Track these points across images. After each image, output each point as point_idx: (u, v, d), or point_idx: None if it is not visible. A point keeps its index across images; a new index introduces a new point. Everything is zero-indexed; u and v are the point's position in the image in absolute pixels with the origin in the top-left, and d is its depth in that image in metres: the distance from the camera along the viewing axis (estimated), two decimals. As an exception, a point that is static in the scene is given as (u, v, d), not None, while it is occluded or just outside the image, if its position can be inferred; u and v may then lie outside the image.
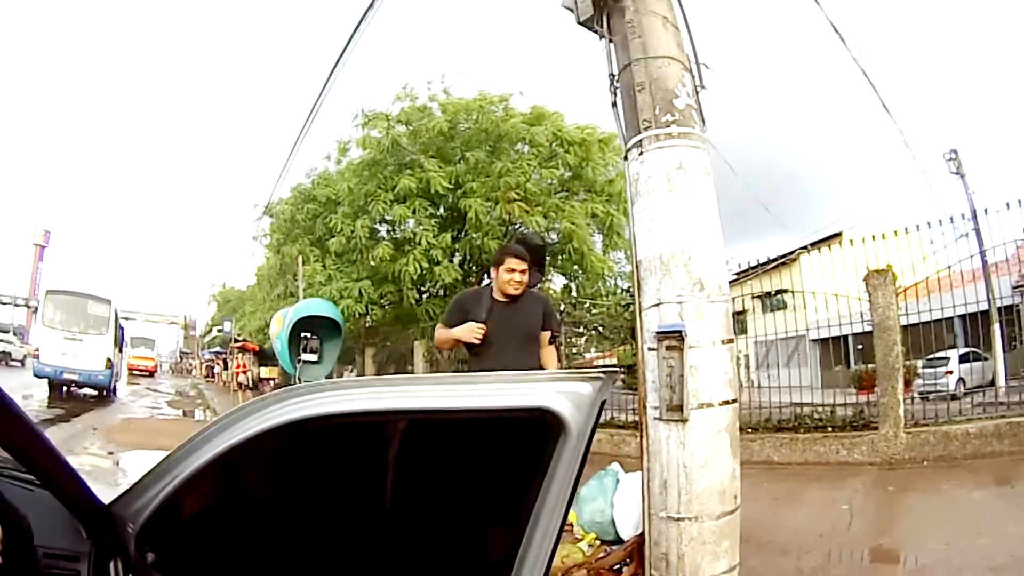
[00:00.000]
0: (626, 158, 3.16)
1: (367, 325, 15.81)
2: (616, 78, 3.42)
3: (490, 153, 13.80)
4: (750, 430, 7.43)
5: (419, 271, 13.34)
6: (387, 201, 13.70)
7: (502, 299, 3.80)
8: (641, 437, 3.02)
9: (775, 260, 8.21)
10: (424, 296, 14.64)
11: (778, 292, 8.77)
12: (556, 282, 15.77)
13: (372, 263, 13.97)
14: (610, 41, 3.56)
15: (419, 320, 14.33)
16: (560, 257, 13.99)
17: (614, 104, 3.38)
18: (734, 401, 2.88)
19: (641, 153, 3.01)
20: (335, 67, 7.22)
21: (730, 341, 2.87)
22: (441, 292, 14.79)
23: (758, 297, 10.04)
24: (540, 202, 13.46)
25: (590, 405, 1.64)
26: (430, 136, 14.07)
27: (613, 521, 3.81)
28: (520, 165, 13.26)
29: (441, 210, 14.57)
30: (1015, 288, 14.81)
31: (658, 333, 2.81)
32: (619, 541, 3.83)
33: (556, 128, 13.85)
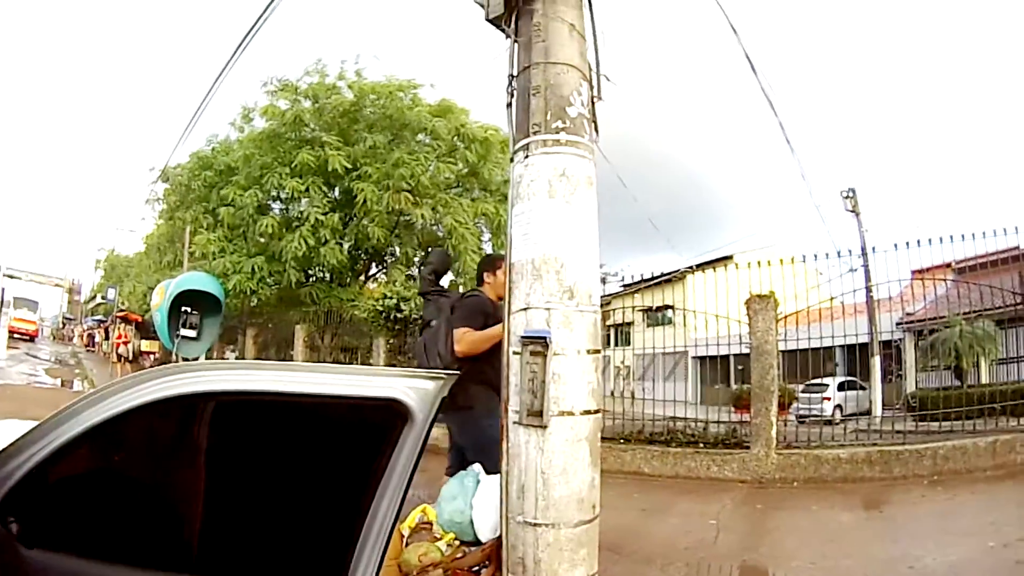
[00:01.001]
0: (512, 160, 3.12)
1: (252, 305, 15.32)
2: (514, 79, 3.38)
3: (392, 140, 13.70)
4: (623, 440, 7.67)
5: (305, 249, 13.02)
6: (283, 175, 13.31)
7: (494, 302, 4.01)
8: (502, 440, 3.00)
9: (663, 276, 8.44)
10: (310, 279, 14.28)
11: (664, 308, 9.04)
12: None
13: (261, 239, 13.55)
14: (515, 42, 3.52)
15: (303, 303, 13.95)
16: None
17: (509, 105, 3.36)
18: (597, 411, 2.92)
19: (527, 156, 3.01)
20: (251, 29, 6.84)
21: (596, 352, 2.90)
22: (327, 276, 14.53)
23: (644, 311, 10.33)
24: (431, 195, 13.47)
25: (433, 400, 1.90)
26: (334, 115, 13.91)
27: (472, 522, 3.76)
28: (417, 156, 13.23)
29: (336, 192, 14.34)
30: (898, 325, 15.95)
31: (523, 338, 2.82)
32: (478, 543, 3.79)
33: (460, 123, 13.91)
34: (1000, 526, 4.68)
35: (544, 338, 2.76)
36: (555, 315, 2.80)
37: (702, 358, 17.06)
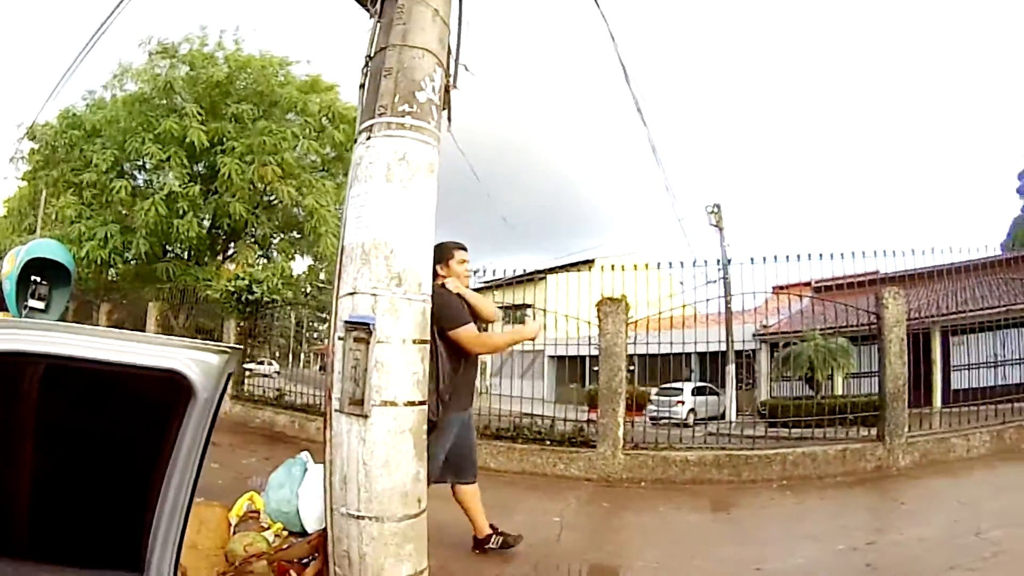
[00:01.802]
0: (356, 141, 3.04)
1: (108, 279, 14.58)
2: (370, 61, 3.30)
3: (261, 116, 13.41)
4: None
5: (157, 219, 12.52)
6: (145, 140, 12.77)
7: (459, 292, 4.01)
8: (325, 428, 2.93)
9: (524, 276, 8.52)
10: (167, 255, 13.73)
11: (522, 306, 9.13)
12: (300, 263, 15.63)
13: (119, 207, 12.93)
14: (378, 22, 3.43)
15: (159, 280, 13.39)
16: (301, 235, 13.96)
17: (362, 86, 3.29)
18: (422, 403, 2.90)
19: (369, 138, 2.98)
20: None
21: (424, 342, 2.88)
22: (185, 253, 14.02)
23: (503, 308, 10.42)
24: (295, 174, 13.25)
25: (218, 374, 1.78)
26: (207, 86, 13.40)
27: (298, 512, 3.66)
28: (283, 133, 12.98)
29: (201, 167, 13.88)
30: (755, 336, 16.80)
31: (347, 323, 2.76)
32: (306, 533, 3.70)
33: (330, 101, 13.72)
34: (850, 530, 4.89)
35: (368, 324, 2.71)
36: (381, 301, 2.76)
37: (559, 357, 17.37)
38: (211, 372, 1.77)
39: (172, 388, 1.73)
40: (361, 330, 2.73)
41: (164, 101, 13.67)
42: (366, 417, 2.73)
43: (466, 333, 3.79)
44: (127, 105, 13.90)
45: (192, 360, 1.74)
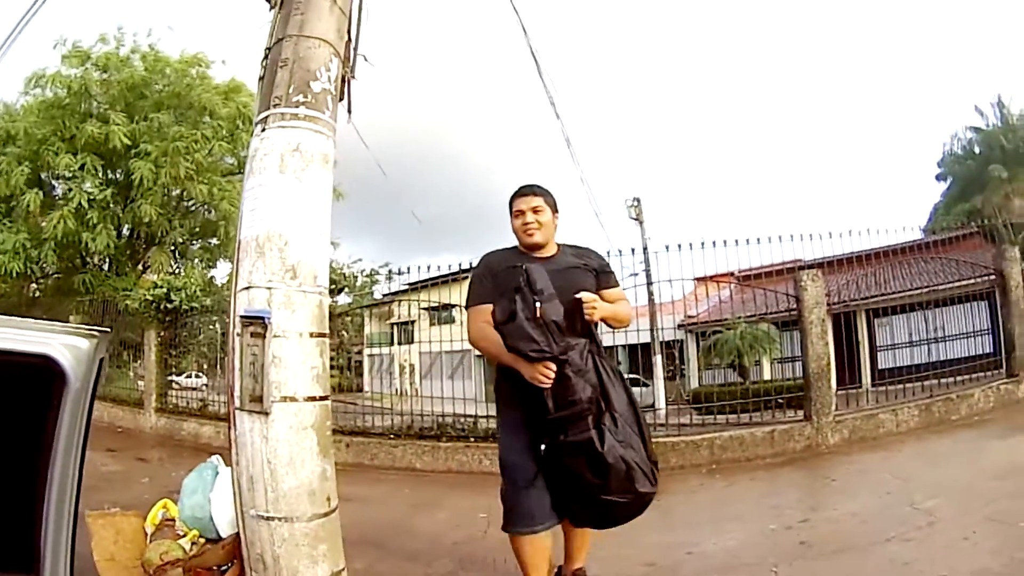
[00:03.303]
0: (252, 133, 3.00)
1: (31, 295, 14.10)
2: (269, 52, 3.25)
3: (177, 120, 13.18)
4: (393, 436, 7.68)
5: (65, 230, 12.17)
6: (59, 150, 12.41)
7: (532, 255, 3.05)
8: (230, 428, 2.88)
9: (448, 275, 8.54)
10: (86, 266, 13.37)
11: (448, 306, 9.13)
12: (221, 269, 15.47)
13: (34, 219, 12.55)
14: (278, 13, 3.39)
15: (78, 291, 13.04)
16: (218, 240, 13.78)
17: (261, 79, 3.23)
18: (324, 398, 2.87)
19: (264, 129, 2.96)
20: None
21: (322, 335, 2.85)
22: (104, 264, 13.68)
23: (428, 309, 10.42)
24: (207, 178, 13.09)
25: (89, 360, 1.70)
26: (122, 89, 13.13)
27: (212, 517, 3.58)
28: (196, 135, 12.81)
29: (118, 174, 13.58)
30: (680, 326, 17.17)
31: (242, 318, 2.73)
32: (221, 538, 3.62)
33: (243, 104, 13.57)
34: (782, 510, 4.98)
35: (263, 319, 2.67)
36: (276, 295, 2.73)
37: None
38: (82, 357, 1.69)
39: (43, 375, 1.64)
40: (257, 324, 2.70)
41: (80, 106, 13.26)
42: (267, 414, 2.70)
43: (468, 316, 3.06)
44: (41, 111, 13.46)
45: (63, 345, 1.67)
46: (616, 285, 3.18)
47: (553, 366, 2.65)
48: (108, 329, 1.87)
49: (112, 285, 13.23)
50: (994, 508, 4.22)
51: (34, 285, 13.83)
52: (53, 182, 13.69)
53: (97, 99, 13.29)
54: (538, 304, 2.64)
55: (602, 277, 3.11)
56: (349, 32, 3.42)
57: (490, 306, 2.86)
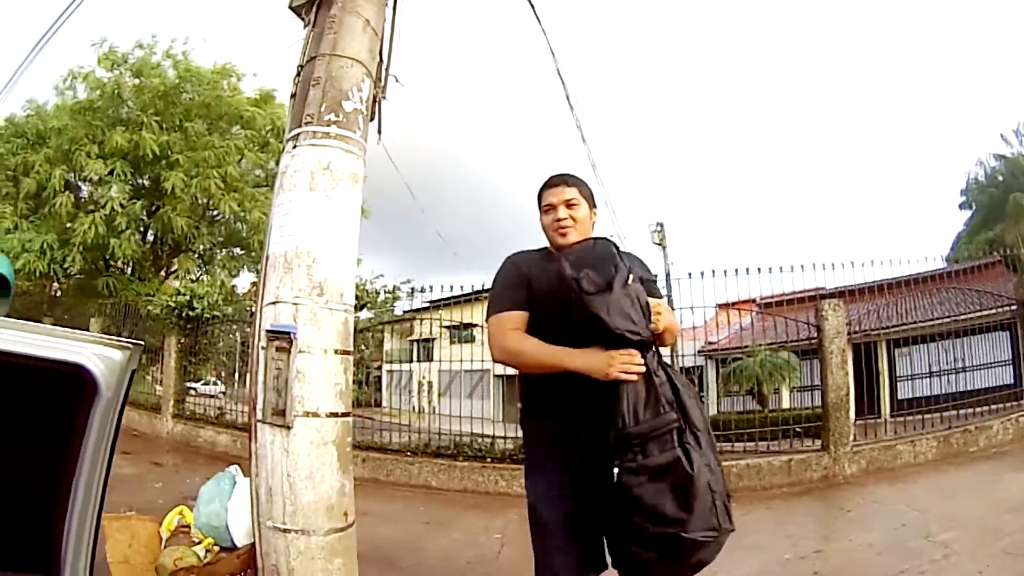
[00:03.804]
0: (283, 150, 3.06)
1: (52, 293, 14.26)
2: (302, 70, 3.32)
3: (207, 129, 13.32)
4: (409, 453, 7.67)
5: (95, 236, 12.30)
6: (91, 154, 12.56)
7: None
8: (250, 440, 2.92)
9: (469, 294, 8.58)
10: (109, 268, 13.49)
11: (468, 325, 9.15)
12: (244, 279, 15.55)
13: (63, 221, 12.71)
14: (311, 31, 3.47)
15: (100, 293, 13.17)
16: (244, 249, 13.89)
17: (293, 95, 3.30)
18: (345, 415, 2.90)
19: (295, 147, 3.01)
20: None
21: (347, 352, 2.89)
22: (128, 268, 13.78)
23: (448, 327, 10.44)
24: (238, 188, 13.17)
25: (121, 371, 1.71)
26: (153, 95, 13.27)
27: (228, 526, 3.62)
28: (228, 146, 12.91)
29: (145, 180, 13.71)
30: (700, 352, 17.09)
31: (268, 332, 2.77)
32: (236, 547, 3.65)
33: (275, 115, 13.67)
34: (796, 539, 4.95)
35: (289, 334, 2.71)
36: (302, 311, 2.77)
37: (507, 376, 17.43)
38: (115, 368, 1.70)
39: (76, 384, 1.66)
40: (283, 339, 2.74)
41: (111, 110, 13.45)
42: (289, 428, 2.74)
43: (493, 325, 2.43)
44: (74, 113, 13.62)
45: (96, 355, 1.68)
46: (661, 297, 2.58)
47: (641, 360, 2.11)
48: (140, 342, 1.87)
49: (135, 289, 13.36)
50: (1010, 541, 4.19)
51: (56, 285, 13.97)
52: (80, 183, 13.86)
53: (129, 104, 13.46)
54: (631, 278, 2.17)
55: (647, 286, 2.46)
56: (381, 53, 3.49)
57: (523, 314, 2.36)
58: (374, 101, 3.30)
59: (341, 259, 2.89)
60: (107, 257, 13.32)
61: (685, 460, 2.07)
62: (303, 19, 3.58)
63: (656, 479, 2.07)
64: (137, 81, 13.55)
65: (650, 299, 2.26)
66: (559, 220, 2.46)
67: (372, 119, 3.28)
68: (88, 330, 11.40)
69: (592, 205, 2.59)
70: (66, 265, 13.28)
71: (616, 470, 2.13)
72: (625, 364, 2.09)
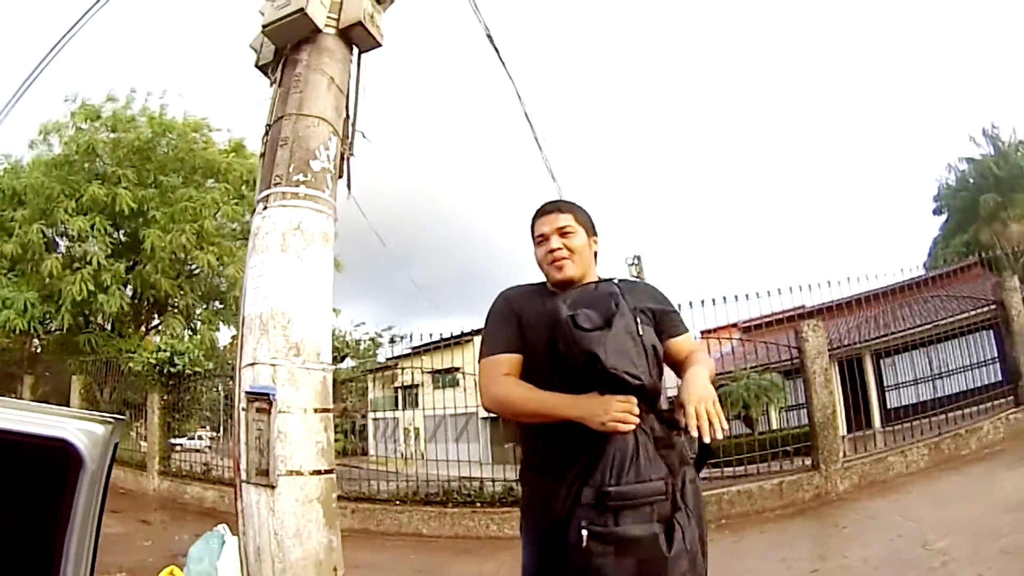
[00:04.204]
0: (254, 211, 3.11)
1: (33, 351, 14.13)
2: (270, 129, 3.38)
3: (182, 183, 13.35)
4: (398, 502, 7.64)
5: (85, 293, 12.27)
6: (69, 210, 12.56)
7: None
8: (236, 500, 2.92)
9: (450, 339, 8.61)
10: (89, 325, 13.44)
11: (451, 370, 9.18)
12: (224, 333, 15.53)
13: (45, 278, 12.64)
14: (278, 89, 3.54)
15: (82, 350, 13.05)
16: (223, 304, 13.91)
17: (262, 155, 3.35)
18: (329, 471, 2.94)
19: (265, 208, 3.07)
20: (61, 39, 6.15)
21: (326, 411, 2.92)
22: (108, 325, 13.70)
23: (432, 372, 10.48)
24: (215, 242, 13.19)
25: (105, 444, 1.72)
26: (128, 150, 13.29)
27: (218, 585, 3.63)
28: (204, 199, 12.94)
29: (121, 235, 13.69)
30: None
31: (248, 393, 2.80)
32: (227, 607, 3.65)
33: (250, 166, 13.73)
34: (791, 561, 4.97)
35: (268, 395, 2.75)
36: (280, 372, 2.81)
37: (492, 418, 17.43)
38: (98, 442, 1.72)
39: (61, 458, 1.68)
40: (262, 400, 2.77)
41: (87, 164, 13.46)
42: (273, 487, 2.76)
43: (482, 369, 2.13)
44: (49, 168, 13.59)
45: (79, 430, 1.70)
46: (685, 330, 2.23)
47: (638, 407, 1.82)
48: (123, 417, 1.92)
49: (116, 346, 13.29)
50: (1008, 541, 4.23)
51: (36, 341, 13.84)
52: (58, 239, 13.80)
53: (104, 158, 13.47)
54: (638, 321, 1.93)
55: (664, 320, 2.16)
56: (348, 108, 3.57)
57: (515, 356, 2.09)
58: (342, 159, 3.36)
59: (316, 319, 2.93)
60: (86, 313, 13.24)
61: (663, 539, 1.77)
62: (270, 78, 3.66)
63: (623, 553, 1.77)
64: (112, 136, 13.59)
65: (697, 377, 1.90)
66: (553, 251, 2.16)
67: (340, 176, 3.35)
68: (70, 387, 11.35)
69: (591, 233, 2.28)
70: (47, 322, 13.22)
71: (584, 532, 1.79)
72: (622, 412, 1.80)
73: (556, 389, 1.93)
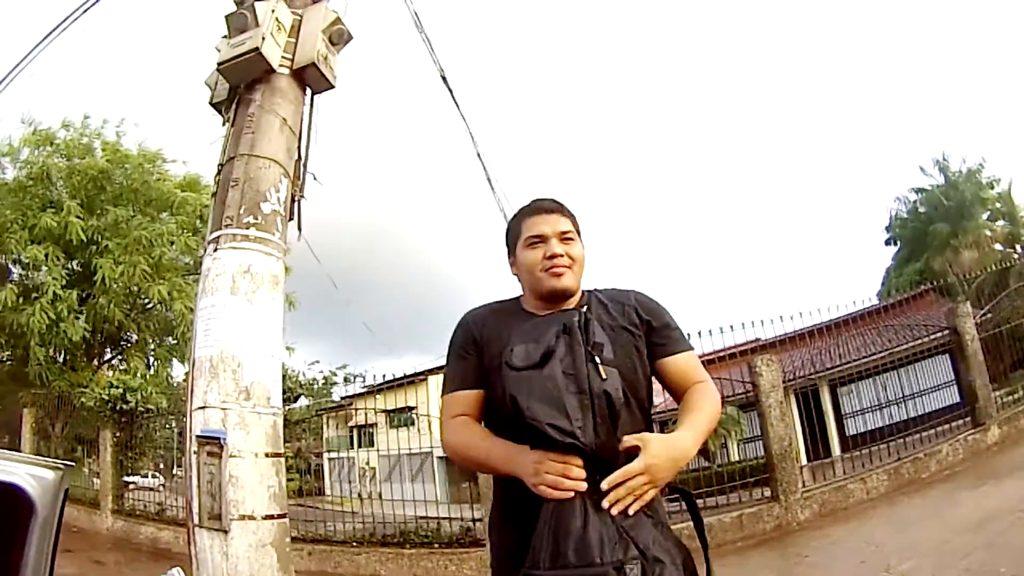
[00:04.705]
0: (204, 252, 3.12)
1: None
2: (222, 169, 3.40)
3: (135, 216, 13.24)
4: (355, 544, 7.51)
5: (47, 323, 12.04)
6: (22, 240, 12.35)
7: (545, 311, 1.79)
8: (189, 544, 2.90)
9: (405, 378, 8.60)
10: (43, 357, 13.20)
11: (405, 409, 9.16)
12: (178, 369, 15.36)
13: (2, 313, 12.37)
14: (231, 128, 3.55)
15: (31, 383, 12.74)
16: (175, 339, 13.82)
17: (214, 195, 3.36)
18: (282, 516, 2.93)
19: (216, 249, 3.08)
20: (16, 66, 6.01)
21: (277, 455, 2.90)
22: (64, 357, 13.46)
23: (386, 412, 10.44)
24: (166, 276, 13.09)
25: (56, 491, 1.76)
26: (83, 179, 13.16)
27: (177, 633, 3.54)
28: (159, 230, 12.86)
29: (74, 264, 13.50)
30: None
31: (199, 437, 2.78)
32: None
33: (204, 203, 13.66)
34: (753, 594, 4.91)
35: (219, 439, 2.73)
36: (231, 416, 2.81)
37: (448, 457, 17.43)
38: (48, 488, 1.75)
39: (12, 502, 1.69)
40: (213, 444, 2.77)
41: (41, 191, 13.25)
42: (226, 532, 2.76)
43: (445, 409, 1.83)
44: (3, 194, 13.31)
45: (30, 475, 1.73)
46: (687, 348, 1.88)
47: (580, 470, 1.42)
48: (72, 463, 1.93)
49: (67, 379, 12.88)
50: (971, 560, 4.29)
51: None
52: (11, 267, 13.50)
53: (58, 186, 13.27)
54: (597, 361, 1.51)
55: (656, 336, 1.84)
56: (300, 150, 3.61)
57: (472, 392, 1.79)
58: (293, 200, 3.39)
59: (266, 362, 2.94)
60: (43, 344, 12.94)
61: None
62: (223, 116, 3.67)
63: None
64: (67, 163, 13.42)
65: (666, 444, 1.56)
66: (556, 257, 1.78)
67: (291, 219, 3.38)
68: (21, 420, 10.98)
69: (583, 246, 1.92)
70: (5, 355, 12.92)
71: None
72: (552, 475, 1.44)
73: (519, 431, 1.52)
